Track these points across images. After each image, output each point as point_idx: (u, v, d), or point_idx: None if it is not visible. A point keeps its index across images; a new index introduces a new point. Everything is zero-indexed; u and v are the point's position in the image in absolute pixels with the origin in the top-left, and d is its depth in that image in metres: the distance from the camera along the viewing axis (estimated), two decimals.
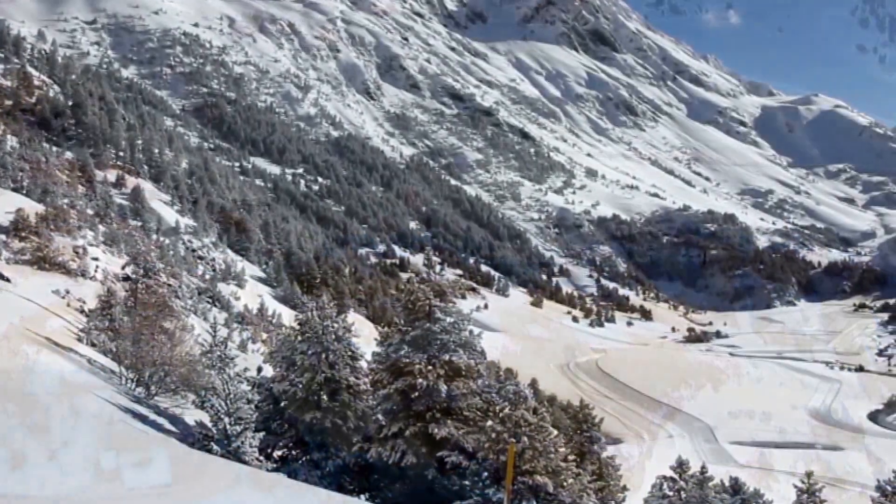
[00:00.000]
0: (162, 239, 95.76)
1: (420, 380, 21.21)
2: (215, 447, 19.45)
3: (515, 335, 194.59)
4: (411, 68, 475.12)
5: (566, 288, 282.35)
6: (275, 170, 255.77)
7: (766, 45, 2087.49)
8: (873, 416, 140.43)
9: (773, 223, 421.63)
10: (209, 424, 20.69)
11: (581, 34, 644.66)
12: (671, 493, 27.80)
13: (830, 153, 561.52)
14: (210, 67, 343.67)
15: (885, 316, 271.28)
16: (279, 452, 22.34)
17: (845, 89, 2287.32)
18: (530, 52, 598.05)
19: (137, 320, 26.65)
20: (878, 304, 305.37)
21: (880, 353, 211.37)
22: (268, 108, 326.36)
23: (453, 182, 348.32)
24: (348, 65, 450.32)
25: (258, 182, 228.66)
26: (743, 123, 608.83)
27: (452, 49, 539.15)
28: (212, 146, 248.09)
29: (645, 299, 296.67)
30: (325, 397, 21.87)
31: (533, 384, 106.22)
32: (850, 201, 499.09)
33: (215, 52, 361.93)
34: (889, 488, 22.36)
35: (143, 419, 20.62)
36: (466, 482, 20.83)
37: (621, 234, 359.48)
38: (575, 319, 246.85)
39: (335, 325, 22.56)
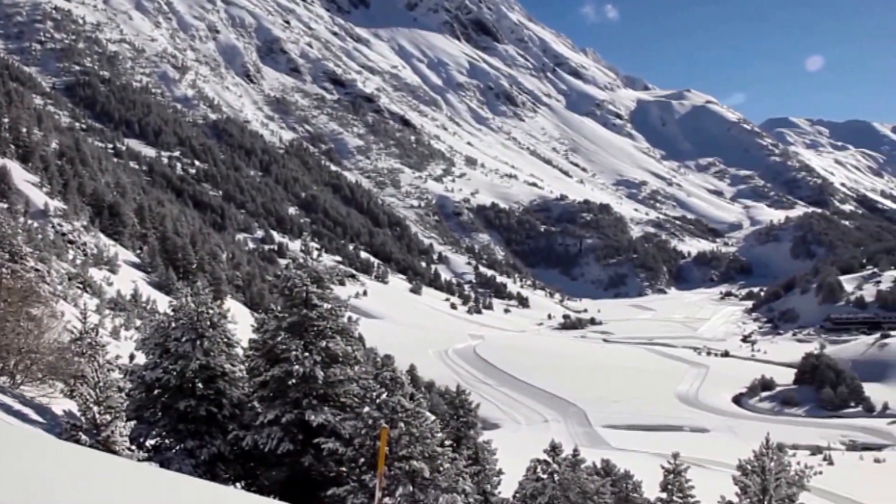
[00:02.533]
0: (29, 222, 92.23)
1: (297, 366, 21.07)
2: (84, 437, 18.92)
3: (394, 322, 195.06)
4: (292, 52, 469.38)
5: (445, 275, 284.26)
6: (150, 152, 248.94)
7: (643, 40, 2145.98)
8: (737, 399, 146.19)
9: (647, 214, 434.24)
10: (78, 414, 20.11)
11: (464, 23, 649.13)
12: (545, 476, 28.38)
13: (701, 147, 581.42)
14: (83, 44, 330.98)
15: (750, 304, 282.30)
16: (152, 441, 21.85)
17: (716, 85, 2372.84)
18: (413, 39, 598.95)
19: (1, 307, 25.59)
20: (743, 292, 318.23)
21: (744, 339, 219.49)
22: (143, 89, 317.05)
23: (333, 168, 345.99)
24: (228, 46, 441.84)
25: (133, 164, 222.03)
26: (619, 116, 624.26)
27: (335, 34, 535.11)
28: (84, 126, 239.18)
29: (522, 287, 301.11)
30: (199, 385, 21.52)
31: (411, 370, 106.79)
32: (719, 194, 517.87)
33: (89, 28, 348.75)
34: (749, 467, 23.36)
35: (6, 409, 19.89)
36: (343, 468, 20.84)
37: (500, 222, 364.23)
38: (453, 306, 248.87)
39: (210, 312, 22.19)
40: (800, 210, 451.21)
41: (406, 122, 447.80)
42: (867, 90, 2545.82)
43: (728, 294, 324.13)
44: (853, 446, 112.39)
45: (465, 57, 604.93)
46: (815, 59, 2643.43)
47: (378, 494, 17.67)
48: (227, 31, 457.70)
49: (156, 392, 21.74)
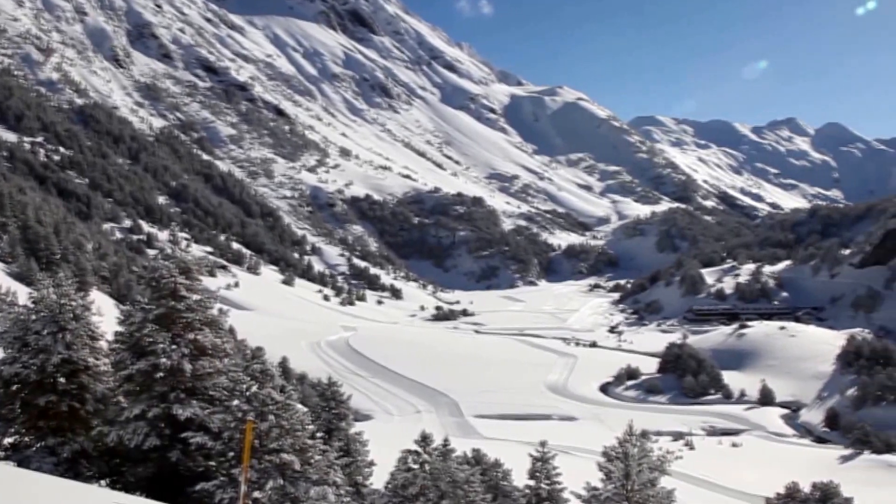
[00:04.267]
0: None
1: (163, 359, 20.72)
2: None
3: (266, 313, 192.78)
4: (164, 37, 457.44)
5: (318, 266, 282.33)
6: (11, 137, 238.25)
7: (517, 36, 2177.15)
8: (604, 388, 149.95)
9: (518, 207, 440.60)
10: None
11: (340, 14, 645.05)
12: (416, 466, 28.64)
13: (572, 142, 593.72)
14: None
15: (617, 295, 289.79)
16: (10, 440, 21.19)
17: (588, 82, 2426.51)
18: (288, 28, 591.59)
19: None
20: (611, 284, 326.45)
21: (611, 329, 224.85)
22: (4, 71, 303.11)
23: (205, 157, 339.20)
24: (96, 29, 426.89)
25: None
26: (493, 111, 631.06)
27: (208, 20, 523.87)
28: None
29: (395, 278, 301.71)
30: (61, 379, 20.95)
31: (283, 363, 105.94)
32: (588, 188, 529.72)
33: None
34: (612, 453, 24.11)
35: None
36: (212, 463, 20.57)
37: (373, 213, 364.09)
38: (326, 298, 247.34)
39: (73, 304, 21.60)
40: (665, 205, 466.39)
41: (280, 112, 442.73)
42: (730, 93, 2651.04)
43: (596, 286, 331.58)
44: (712, 432, 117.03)
45: (341, 48, 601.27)
46: (684, 61, 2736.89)
47: (243, 488, 17.52)
48: (95, 13, 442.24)
49: (14, 388, 21.04)
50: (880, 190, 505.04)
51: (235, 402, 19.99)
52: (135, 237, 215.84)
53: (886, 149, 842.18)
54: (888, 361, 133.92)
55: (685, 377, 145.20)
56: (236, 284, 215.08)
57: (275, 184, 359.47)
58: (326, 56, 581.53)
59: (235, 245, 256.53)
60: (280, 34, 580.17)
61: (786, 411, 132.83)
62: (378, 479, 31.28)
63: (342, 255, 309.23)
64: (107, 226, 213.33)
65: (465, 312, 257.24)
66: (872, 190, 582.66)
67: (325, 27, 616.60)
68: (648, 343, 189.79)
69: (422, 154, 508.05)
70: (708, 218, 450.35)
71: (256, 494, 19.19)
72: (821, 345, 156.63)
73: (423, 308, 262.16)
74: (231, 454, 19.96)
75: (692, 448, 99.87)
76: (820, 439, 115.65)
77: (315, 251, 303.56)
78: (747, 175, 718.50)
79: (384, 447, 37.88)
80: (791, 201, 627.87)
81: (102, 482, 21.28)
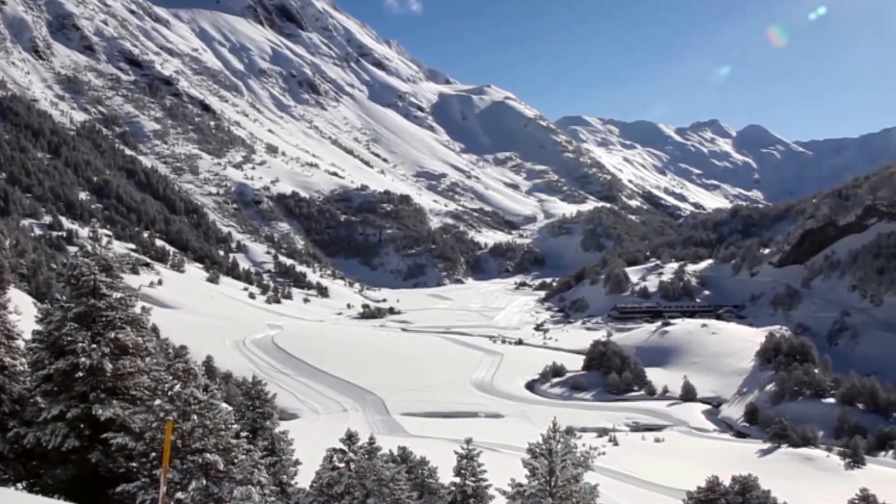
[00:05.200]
0: None
1: (83, 359, 20.29)
2: None
3: (191, 311, 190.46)
4: (86, 28, 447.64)
5: (244, 264, 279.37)
6: None
7: (446, 35, 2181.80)
8: (530, 385, 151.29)
9: (446, 205, 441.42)
10: None
11: (268, 9, 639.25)
12: (341, 465, 28.51)
13: (499, 141, 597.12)
14: None
15: (543, 293, 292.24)
16: None
17: (516, 81, 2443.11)
18: (215, 22, 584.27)
19: None
20: (537, 282, 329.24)
21: (537, 327, 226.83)
22: None
23: (128, 152, 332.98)
24: (15, 19, 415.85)
25: None
26: (421, 108, 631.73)
27: (132, 12, 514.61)
28: None
29: (322, 276, 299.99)
30: None
31: (207, 361, 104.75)
32: (515, 187, 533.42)
33: None
34: (537, 450, 24.30)
35: None
36: (134, 464, 20.23)
37: (300, 211, 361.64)
38: (252, 296, 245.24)
39: None
40: (590, 204, 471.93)
41: (206, 107, 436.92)
42: (655, 94, 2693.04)
43: (522, 284, 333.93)
44: (636, 427, 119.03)
45: (269, 43, 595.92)
46: (611, 62, 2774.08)
47: (162, 489, 17.25)
48: (14, 2, 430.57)
49: None
50: (798, 191, 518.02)
51: (158, 402, 19.68)
52: (55, 233, 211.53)
53: (805, 151, 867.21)
54: (805, 358, 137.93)
55: (609, 374, 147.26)
56: (160, 282, 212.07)
57: (200, 180, 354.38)
58: (254, 51, 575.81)
59: (159, 242, 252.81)
60: (206, 28, 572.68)
61: (707, 407, 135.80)
62: (304, 479, 31.10)
63: (268, 252, 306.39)
64: (25, 222, 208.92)
65: (391, 310, 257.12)
66: (791, 191, 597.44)
67: (252, 22, 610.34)
68: (574, 341, 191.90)
69: (349, 151, 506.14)
70: (633, 217, 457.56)
71: (179, 495, 18.92)
72: (741, 342, 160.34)
73: (349, 306, 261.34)
74: (153, 455, 19.65)
75: (616, 444, 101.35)
76: (740, 434, 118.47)
77: (241, 249, 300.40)
78: (671, 175, 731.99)
79: (310, 446, 37.69)
80: (713, 201, 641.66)
81: (20, 485, 20.80)
